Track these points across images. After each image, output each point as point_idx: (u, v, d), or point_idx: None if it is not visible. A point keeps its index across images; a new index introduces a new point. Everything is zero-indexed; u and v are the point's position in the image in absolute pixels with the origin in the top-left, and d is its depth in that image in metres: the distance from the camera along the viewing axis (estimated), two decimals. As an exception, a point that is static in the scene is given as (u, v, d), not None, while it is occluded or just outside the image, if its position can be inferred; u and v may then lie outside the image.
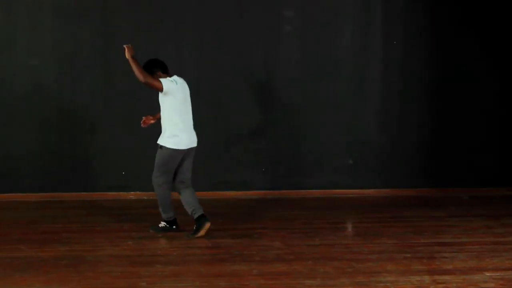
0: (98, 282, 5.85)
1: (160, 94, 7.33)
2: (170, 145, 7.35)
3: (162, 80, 7.26)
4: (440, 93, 9.95)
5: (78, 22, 9.30)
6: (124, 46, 7.17)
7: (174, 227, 7.54)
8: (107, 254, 6.70)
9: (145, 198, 9.43)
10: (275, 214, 8.62)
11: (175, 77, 7.43)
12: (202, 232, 7.24)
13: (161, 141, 7.39)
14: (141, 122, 7.70)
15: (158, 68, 7.44)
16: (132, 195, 9.51)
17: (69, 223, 8.01)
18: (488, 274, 6.00)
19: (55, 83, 9.35)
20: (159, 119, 7.57)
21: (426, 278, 5.92)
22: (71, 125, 9.45)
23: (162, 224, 7.54)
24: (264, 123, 9.65)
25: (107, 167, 9.50)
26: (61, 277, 5.96)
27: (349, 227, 8.22)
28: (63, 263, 6.38)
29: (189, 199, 7.48)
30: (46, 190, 9.34)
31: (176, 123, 7.38)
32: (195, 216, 7.35)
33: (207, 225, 7.27)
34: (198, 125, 9.38)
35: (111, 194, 9.44)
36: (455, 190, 9.87)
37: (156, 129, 9.30)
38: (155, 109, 9.13)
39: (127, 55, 7.13)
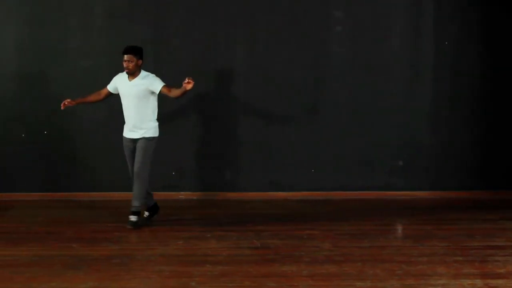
0: (148, 281, 5.91)
1: (152, 92, 7.74)
2: (157, 134, 7.86)
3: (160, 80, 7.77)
4: (492, 94, 9.80)
5: (129, 23, 9.38)
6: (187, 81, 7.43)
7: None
8: (157, 254, 6.76)
9: (195, 198, 9.49)
10: (324, 215, 8.59)
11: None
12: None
13: (150, 133, 7.76)
14: (62, 104, 7.82)
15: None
16: (181, 195, 9.57)
17: (120, 222, 8.09)
18: (542, 279, 5.92)
19: (107, 83, 9.44)
20: (80, 104, 8.08)
21: (478, 281, 5.85)
22: (121, 127, 9.53)
23: (135, 217, 7.76)
24: (312, 123, 9.62)
25: (157, 167, 9.56)
26: (112, 276, 6.04)
27: (400, 229, 8.15)
28: (114, 262, 6.46)
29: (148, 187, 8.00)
30: (98, 189, 9.46)
31: (156, 114, 7.89)
32: (153, 203, 8.13)
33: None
34: (247, 125, 9.46)
35: (161, 194, 9.48)
36: (508, 193, 9.71)
37: (210, 133, 9.42)
38: (198, 109, 9.22)
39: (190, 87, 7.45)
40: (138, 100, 7.70)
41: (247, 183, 9.62)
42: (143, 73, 7.76)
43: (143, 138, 7.73)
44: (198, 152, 9.57)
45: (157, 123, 7.86)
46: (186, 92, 7.50)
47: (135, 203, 7.75)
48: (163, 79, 9.38)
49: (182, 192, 9.59)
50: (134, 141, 7.79)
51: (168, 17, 9.44)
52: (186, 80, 7.38)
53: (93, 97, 8.07)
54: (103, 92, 8.03)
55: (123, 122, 7.95)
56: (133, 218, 7.71)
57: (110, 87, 7.96)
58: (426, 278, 5.97)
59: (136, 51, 7.67)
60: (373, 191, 9.70)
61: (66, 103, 7.80)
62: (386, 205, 9.26)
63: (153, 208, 8.16)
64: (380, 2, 9.58)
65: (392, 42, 9.64)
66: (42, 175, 9.47)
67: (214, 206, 9.07)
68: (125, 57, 7.64)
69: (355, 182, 9.68)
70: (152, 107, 7.80)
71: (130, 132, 7.83)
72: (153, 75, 7.81)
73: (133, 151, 7.80)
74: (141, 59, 7.72)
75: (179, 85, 7.47)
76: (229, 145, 9.55)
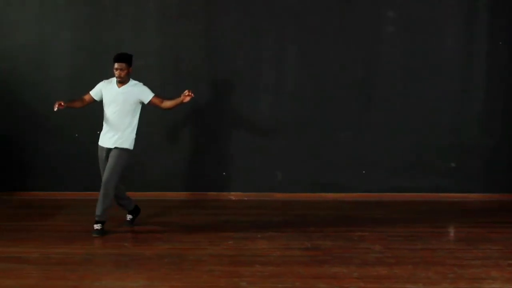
0: (199, 280, 5.94)
1: (140, 102, 7.61)
2: (132, 147, 7.63)
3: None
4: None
5: (181, 25, 9.44)
6: (187, 94, 7.39)
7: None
8: (208, 253, 6.79)
9: (245, 198, 9.50)
10: (375, 217, 8.52)
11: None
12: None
13: (126, 144, 7.55)
14: (54, 106, 7.27)
15: None
16: (232, 195, 9.59)
17: (172, 222, 8.15)
18: None
19: (159, 84, 9.52)
20: (71, 108, 7.63)
21: (533, 286, 5.75)
22: (174, 127, 9.61)
23: (99, 226, 7.53)
24: (363, 124, 9.55)
25: (208, 168, 9.62)
26: (163, 275, 6.09)
27: (452, 231, 8.04)
28: (165, 261, 6.51)
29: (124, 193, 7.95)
30: (150, 189, 9.54)
31: (136, 127, 7.70)
32: (132, 207, 8.02)
33: None
34: (298, 126, 9.44)
35: (212, 194, 9.55)
36: None
37: (260, 133, 9.43)
38: (249, 109, 9.23)
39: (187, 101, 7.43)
40: (124, 108, 7.49)
41: (298, 184, 9.59)
42: (132, 81, 7.59)
43: (118, 148, 7.48)
44: (249, 153, 9.57)
45: (134, 136, 7.62)
46: (180, 104, 7.49)
47: (97, 212, 7.49)
48: (210, 79, 9.46)
49: (233, 193, 9.61)
50: (109, 150, 7.52)
51: (218, 17, 9.46)
52: (186, 93, 7.33)
53: (76, 103, 7.63)
54: (86, 98, 7.65)
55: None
56: (96, 226, 7.47)
57: (94, 93, 7.61)
58: (479, 282, 5.89)
59: (128, 59, 7.47)
60: (425, 193, 9.58)
61: (57, 105, 7.27)
62: (438, 207, 9.14)
63: (135, 211, 8.03)
64: (433, 2, 9.45)
65: (444, 42, 9.49)
66: (95, 174, 9.56)
67: (264, 207, 9.07)
68: (117, 65, 7.41)
69: (407, 184, 9.58)
70: (135, 119, 7.61)
71: (106, 139, 7.56)
72: (142, 83, 7.64)
73: (107, 160, 7.54)
74: (131, 67, 7.54)
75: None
76: (281, 146, 9.53)
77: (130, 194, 9.41)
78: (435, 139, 9.56)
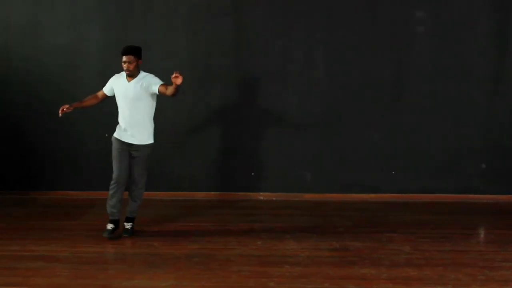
0: (228, 280, 5.95)
1: (151, 93, 7.34)
2: (152, 140, 7.55)
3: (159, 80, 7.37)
4: None
5: (210, 25, 9.46)
6: (175, 76, 6.94)
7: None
8: (237, 254, 6.79)
9: (274, 199, 9.49)
10: (404, 218, 8.46)
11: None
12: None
13: (148, 139, 7.48)
14: (60, 110, 7.20)
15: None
16: (261, 195, 9.59)
17: (201, 221, 8.18)
18: None
19: (188, 83, 9.54)
20: (78, 108, 7.47)
21: None
22: (203, 127, 9.63)
23: (130, 225, 7.58)
24: (392, 124, 9.50)
25: (237, 168, 9.63)
26: (192, 274, 6.11)
27: (482, 233, 7.97)
28: (194, 261, 6.53)
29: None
30: (181, 189, 9.58)
31: (152, 119, 7.56)
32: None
33: None
34: (327, 126, 9.42)
35: (241, 195, 9.56)
36: None
37: (290, 134, 9.42)
38: (278, 110, 9.23)
39: (179, 83, 6.96)
40: (136, 102, 7.30)
41: (327, 185, 9.56)
42: (142, 73, 7.39)
43: (142, 145, 7.40)
44: (277, 153, 9.56)
45: (153, 128, 7.53)
46: (178, 87, 7.04)
47: (129, 209, 7.59)
48: (238, 78, 9.45)
49: (262, 193, 9.61)
50: (130, 145, 7.39)
51: (247, 16, 9.47)
52: (174, 75, 6.92)
53: (90, 101, 7.53)
54: (99, 95, 7.57)
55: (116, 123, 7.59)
56: (127, 225, 7.53)
57: (106, 90, 7.52)
58: (510, 285, 5.84)
59: (136, 52, 7.30)
60: (455, 194, 9.49)
61: (64, 109, 7.22)
62: (468, 208, 9.05)
63: (118, 223, 7.57)
64: (464, 2, 9.36)
65: (475, 42, 9.40)
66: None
67: (293, 207, 9.05)
68: (125, 58, 7.24)
69: (437, 185, 9.50)
70: (149, 110, 7.43)
71: (126, 135, 7.38)
72: (152, 75, 7.41)
73: (126, 155, 7.38)
74: (140, 59, 7.37)
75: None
76: (310, 146, 9.52)
77: (160, 194, 9.50)
78: (465, 140, 9.47)
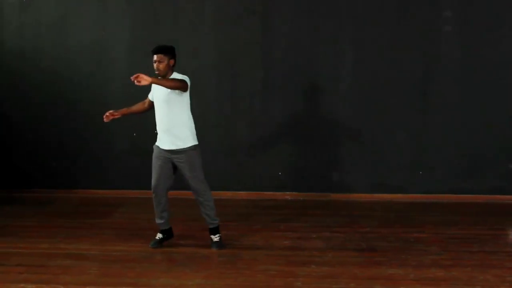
0: (254, 280, 5.95)
1: (177, 92, 6.76)
2: (197, 141, 7.05)
3: (183, 78, 6.82)
4: None
5: (237, 25, 9.48)
6: (134, 80, 6.33)
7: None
8: (263, 253, 6.79)
9: (301, 198, 9.48)
10: (431, 218, 8.39)
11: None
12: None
13: (190, 141, 6.93)
14: (104, 117, 6.94)
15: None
16: (288, 195, 9.58)
17: (228, 221, 8.17)
18: None
19: (215, 83, 9.58)
20: (126, 115, 7.20)
21: None
22: (231, 126, 9.64)
23: (218, 237, 7.10)
24: (420, 124, 9.43)
25: (264, 167, 9.62)
26: (219, 273, 6.13)
27: (511, 234, 7.88)
28: (221, 260, 6.55)
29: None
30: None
31: (192, 120, 7.07)
32: (168, 226, 7.24)
33: None
34: (354, 126, 9.38)
35: (268, 194, 9.55)
36: None
37: (316, 133, 9.40)
38: (304, 110, 9.21)
39: (145, 83, 6.33)
40: (168, 104, 6.80)
41: (354, 185, 9.53)
42: (174, 74, 6.87)
43: (184, 149, 6.88)
44: (304, 153, 9.55)
45: (193, 129, 7.03)
46: (157, 83, 6.56)
47: (209, 220, 7.10)
48: (266, 78, 9.45)
49: (289, 193, 9.59)
50: (170, 152, 6.91)
51: (275, 17, 9.46)
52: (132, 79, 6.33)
53: (137, 107, 7.25)
54: (146, 102, 7.21)
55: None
56: (215, 238, 7.08)
57: (150, 95, 7.16)
58: (539, 286, 5.76)
59: (167, 50, 6.83)
60: (482, 194, 9.39)
61: (108, 114, 6.96)
62: (496, 209, 8.95)
63: (168, 232, 7.25)
64: (491, 2, 9.27)
65: (503, 41, 9.30)
66: (151, 173, 9.67)
67: (320, 207, 9.03)
68: (155, 57, 6.80)
69: (465, 185, 9.40)
70: (185, 112, 6.91)
71: (164, 142, 6.93)
72: (183, 75, 6.88)
73: (166, 162, 6.95)
74: (173, 59, 6.87)
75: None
76: (336, 146, 9.49)
77: (187, 193, 9.50)
78: (493, 140, 9.36)
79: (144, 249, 6.94)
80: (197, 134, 9.31)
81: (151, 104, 7.10)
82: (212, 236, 7.05)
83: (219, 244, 6.98)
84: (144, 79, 6.27)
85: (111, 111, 6.95)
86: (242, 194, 9.59)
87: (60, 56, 9.65)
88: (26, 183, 9.86)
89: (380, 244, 7.13)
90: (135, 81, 6.27)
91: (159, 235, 7.13)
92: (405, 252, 6.81)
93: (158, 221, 7.11)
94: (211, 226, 7.08)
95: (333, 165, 9.54)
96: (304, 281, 5.90)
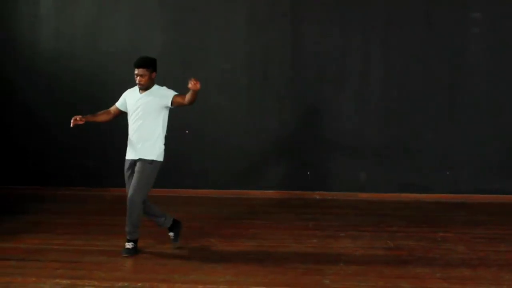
0: (283, 277, 5.94)
1: (163, 106, 6.68)
2: (160, 158, 6.77)
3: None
4: None
5: (268, 29, 9.49)
6: (193, 83, 6.34)
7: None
8: (292, 251, 6.78)
9: (329, 198, 9.46)
10: (458, 218, 8.34)
11: None
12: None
13: (152, 155, 6.67)
14: (72, 120, 6.58)
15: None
16: (316, 194, 9.56)
17: (256, 219, 8.19)
18: None
19: (245, 87, 9.60)
20: (90, 122, 6.84)
21: None
22: (261, 126, 9.65)
23: (131, 244, 6.72)
24: (448, 124, 9.36)
25: (293, 167, 9.62)
26: (248, 271, 6.11)
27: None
28: (250, 258, 6.54)
29: (156, 209, 6.99)
30: (236, 187, 9.62)
31: (164, 136, 6.83)
32: (171, 223, 6.96)
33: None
34: (382, 126, 9.33)
35: (297, 193, 9.55)
36: None
37: (345, 134, 9.36)
38: (332, 111, 9.17)
39: (197, 90, 6.38)
40: (147, 116, 6.64)
41: (382, 184, 9.49)
42: (155, 86, 6.73)
43: (142, 160, 6.64)
44: (332, 153, 9.53)
45: (163, 147, 6.79)
46: (196, 93, 6.46)
47: (128, 230, 6.72)
48: (295, 81, 9.44)
49: (317, 192, 9.58)
50: (134, 162, 6.72)
51: (305, 21, 9.46)
52: (192, 83, 6.35)
53: (103, 117, 6.95)
54: (112, 110, 6.93)
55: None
56: (128, 245, 6.70)
57: (120, 104, 6.89)
58: None
59: (149, 64, 6.66)
60: (510, 194, 9.30)
61: (77, 119, 6.62)
62: (524, 209, 8.89)
63: (175, 226, 6.99)
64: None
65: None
66: (183, 172, 9.72)
67: (348, 206, 9.01)
68: (137, 71, 6.61)
69: (492, 185, 9.32)
70: (160, 127, 6.72)
71: (131, 152, 6.77)
72: (165, 87, 6.77)
73: (131, 174, 6.75)
74: (154, 71, 6.70)
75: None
76: (365, 146, 9.46)
77: (217, 192, 9.54)
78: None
79: (177, 246, 6.95)
80: (226, 134, 9.35)
81: (116, 114, 6.94)
82: (126, 243, 6.74)
83: (129, 251, 6.67)
84: (199, 86, 6.34)
85: (78, 116, 6.61)
86: (271, 193, 9.59)
87: (93, 58, 9.74)
88: (63, 181, 9.97)
89: (407, 243, 7.08)
90: (196, 84, 6.30)
91: (170, 234, 6.98)
92: (432, 251, 6.77)
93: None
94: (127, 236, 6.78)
95: (361, 165, 9.50)
96: (333, 279, 5.88)
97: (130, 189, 6.63)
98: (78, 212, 8.64)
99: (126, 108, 6.85)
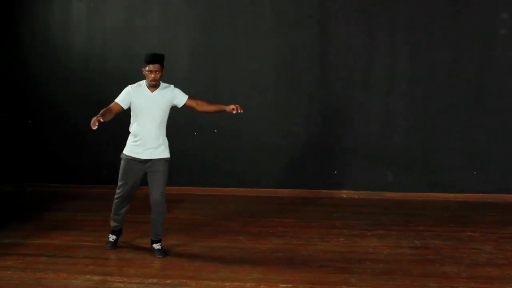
0: (310, 275, 5.93)
1: (172, 105, 6.64)
2: (169, 155, 6.71)
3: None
4: None
5: (295, 29, 9.46)
6: (238, 110, 6.46)
7: None
8: (319, 249, 6.77)
9: (356, 197, 9.42)
10: (486, 217, 8.24)
11: None
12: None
13: (167, 153, 6.66)
14: (94, 125, 6.17)
15: None
16: (344, 193, 9.52)
17: (285, 218, 8.18)
18: None
19: (272, 86, 9.58)
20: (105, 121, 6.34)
21: None
22: (287, 125, 9.63)
23: (160, 245, 6.69)
24: (475, 124, 9.25)
25: (321, 166, 9.59)
26: (276, 269, 6.11)
27: None
28: (278, 256, 6.54)
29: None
30: (264, 186, 9.61)
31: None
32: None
33: None
34: (409, 126, 9.26)
35: (324, 192, 9.51)
36: None
37: (372, 133, 9.31)
38: (360, 109, 9.13)
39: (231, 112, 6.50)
40: (159, 114, 6.50)
41: (408, 184, 9.42)
42: (163, 84, 6.60)
43: (162, 159, 6.57)
44: (360, 152, 9.48)
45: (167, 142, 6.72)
46: (221, 111, 6.64)
47: (157, 232, 6.68)
48: (322, 80, 9.40)
49: (344, 191, 9.54)
50: (146, 162, 6.56)
51: (332, 20, 9.42)
52: (234, 109, 6.45)
53: (108, 116, 6.48)
54: (113, 108, 6.55)
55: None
56: (157, 246, 6.66)
57: (122, 101, 6.56)
58: None
59: (163, 60, 6.49)
60: (538, 194, 9.21)
61: (99, 121, 6.22)
62: (551, 209, 8.76)
63: (119, 232, 7.03)
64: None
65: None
66: (218, 170, 9.73)
67: (375, 205, 8.96)
68: (152, 67, 6.39)
69: (520, 185, 9.24)
70: (165, 123, 6.65)
71: (143, 151, 6.54)
72: (173, 85, 6.65)
73: (140, 172, 6.61)
74: (164, 68, 6.54)
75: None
76: (392, 145, 9.40)
77: (245, 190, 9.55)
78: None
79: (204, 244, 6.98)
80: (253, 133, 9.35)
81: (117, 112, 6.57)
82: (155, 245, 6.66)
83: (161, 252, 6.60)
84: (235, 112, 6.46)
85: (99, 117, 6.22)
86: (299, 192, 9.57)
87: (125, 58, 9.78)
88: (94, 179, 10.03)
89: (434, 242, 7.03)
90: (234, 109, 6.42)
91: (113, 237, 6.94)
92: (459, 250, 6.72)
93: (114, 224, 6.92)
94: (154, 239, 6.69)
95: (388, 165, 9.44)
96: (359, 277, 5.86)
97: (156, 191, 6.52)
98: (108, 210, 8.66)
99: (127, 105, 6.58)
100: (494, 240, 7.12)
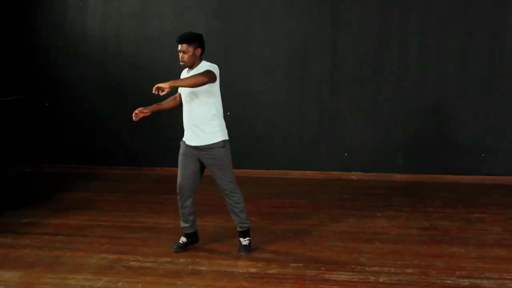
0: (321, 255, 5.93)
1: (207, 85, 5.78)
2: (226, 136, 6.01)
3: (209, 67, 5.85)
4: None
5: (308, 15, 9.40)
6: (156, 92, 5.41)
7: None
8: (330, 230, 6.76)
9: (366, 178, 9.38)
10: (496, 199, 8.18)
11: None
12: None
13: (219, 137, 5.93)
14: (133, 115, 5.86)
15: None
16: (353, 175, 9.49)
17: (296, 199, 8.17)
18: None
19: (285, 73, 9.54)
20: (155, 111, 6.07)
21: None
22: (300, 110, 9.59)
23: (247, 240, 6.18)
24: (485, 108, 9.17)
25: (331, 148, 9.56)
26: (288, 248, 6.12)
27: None
28: (289, 235, 6.54)
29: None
30: (276, 167, 9.61)
31: (222, 113, 6.06)
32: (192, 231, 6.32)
33: None
34: (420, 110, 9.21)
35: (334, 174, 9.49)
36: None
37: (384, 117, 9.25)
38: (375, 97, 9.08)
39: (167, 89, 5.36)
40: (194, 96, 5.84)
41: (418, 166, 9.37)
42: (203, 63, 5.92)
43: (212, 146, 5.91)
44: (370, 134, 9.44)
45: (223, 124, 6.01)
46: (178, 85, 5.59)
47: (242, 220, 6.18)
48: (336, 65, 9.34)
49: (354, 173, 9.51)
50: (197, 149, 5.95)
51: (342, 8, 9.34)
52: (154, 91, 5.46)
53: (169, 103, 6.14)
54: (178, 96, 6.14)
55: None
56: (244, 241, 6.16)
57: (179, 88, 6.08)
58: None
59: (192, 39, 5.83)
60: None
61: (137, 112, 5.87)
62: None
63: (194, 236, 6.32)
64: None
65: None
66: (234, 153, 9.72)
67: (385, 187, 8.92)
68: (180, 47, 5.83)
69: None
70: (213, 105, 5.90)
71: (191, 138, 5.98)
72: (211, 64, 5.91)
73: (193, 160, 6.02)
74: (200, 47, 5.88)
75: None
76: (403, 128, 9.35)
77: (258, 172, 9.54)
78: None
79: (217, 224, 6.99)
80: (266, 117, 9.32)
81: (181, 99, 6.10)
82: (241, 239, 6.16)
83: (247, 248, 6.10)
84: (163, 87, 5.36)
85: (140, 109, 5.87)
86: (310, 174, 9.55)
87: (139, 44, 9.77)
88: (111, 161, 10.08)
89: (443, 223, 7.01)
90: (159, 92, 5.39)
91: (183, 239, 6.24)
92: (467, 231, 6.69)
93: (182, 224, 6.23)
94: (241, 229, 6.17)
95: (398, 147, 9.40)
96: (369, 257, 5.85)
97: (223, 182, 6.02)
98: (125, 191, 8.71)
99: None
100: (503, 221, 7.08)
